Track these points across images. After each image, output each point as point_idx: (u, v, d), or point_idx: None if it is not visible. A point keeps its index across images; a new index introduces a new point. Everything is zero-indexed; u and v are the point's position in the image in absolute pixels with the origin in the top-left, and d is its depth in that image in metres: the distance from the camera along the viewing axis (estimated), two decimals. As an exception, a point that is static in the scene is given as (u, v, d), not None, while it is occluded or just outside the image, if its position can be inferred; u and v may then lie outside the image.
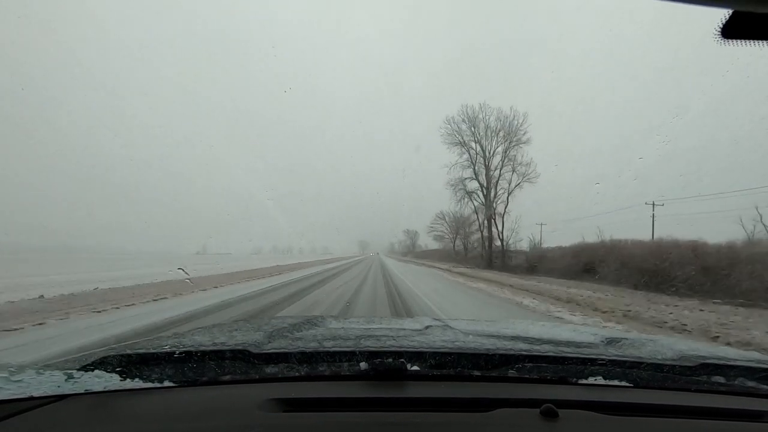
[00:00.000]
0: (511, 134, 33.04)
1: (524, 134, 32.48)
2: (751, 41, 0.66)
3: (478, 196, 35.38)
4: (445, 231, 59.32)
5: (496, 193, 34.24)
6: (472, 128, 34.50)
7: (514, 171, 32.87)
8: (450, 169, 35.34)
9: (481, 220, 36.97)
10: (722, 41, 0.66)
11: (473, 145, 34.78)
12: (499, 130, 33.59)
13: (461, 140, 34.69)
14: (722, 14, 0.63)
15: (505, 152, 33.50)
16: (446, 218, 56.34)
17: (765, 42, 0.66)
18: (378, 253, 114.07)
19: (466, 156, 35.09)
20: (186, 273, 15.59)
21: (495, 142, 34.12)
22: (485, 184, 34.68)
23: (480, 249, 38.56)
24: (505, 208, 33.58)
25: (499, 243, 33.77)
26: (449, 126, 34.98)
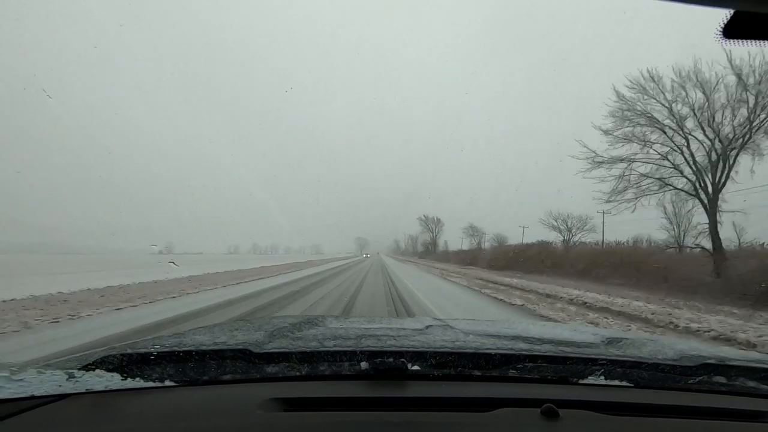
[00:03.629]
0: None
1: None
2: (753, 41, 0.66)
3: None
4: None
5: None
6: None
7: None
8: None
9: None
10: (723, 41, 0.66)
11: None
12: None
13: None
14: (723, 14, 0.63)
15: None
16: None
17: (766, 42, 0.67)
18: (378, 253, 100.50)
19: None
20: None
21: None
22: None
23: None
24: None
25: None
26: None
